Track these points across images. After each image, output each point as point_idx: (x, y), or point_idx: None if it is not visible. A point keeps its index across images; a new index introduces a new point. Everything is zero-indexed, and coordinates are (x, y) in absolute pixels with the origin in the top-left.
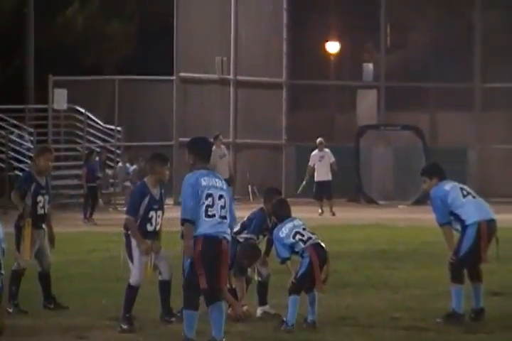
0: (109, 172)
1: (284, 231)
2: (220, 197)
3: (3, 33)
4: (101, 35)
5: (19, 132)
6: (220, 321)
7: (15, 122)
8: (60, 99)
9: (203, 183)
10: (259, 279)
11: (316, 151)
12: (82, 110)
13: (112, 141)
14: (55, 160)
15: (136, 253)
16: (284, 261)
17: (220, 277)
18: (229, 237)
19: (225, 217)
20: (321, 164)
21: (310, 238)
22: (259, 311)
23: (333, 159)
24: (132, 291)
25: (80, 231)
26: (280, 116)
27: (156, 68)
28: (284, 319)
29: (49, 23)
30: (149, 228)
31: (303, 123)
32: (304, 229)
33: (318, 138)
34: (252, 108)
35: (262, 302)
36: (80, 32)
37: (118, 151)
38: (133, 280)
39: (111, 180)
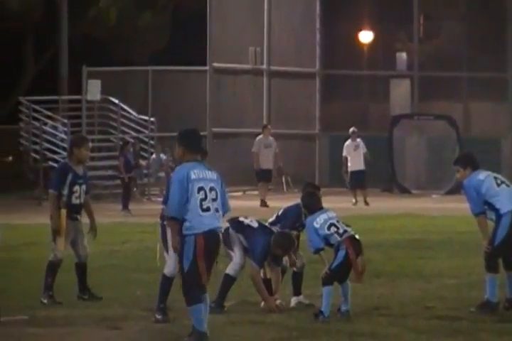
0: (143, 163)
1: (319, 221)
2: (211, 189)
3: (37, 25)
4: (134, 26)
5: (53, 123)
6: (206, 313)
7: (49, 113)
8: (93, 89)
9: (193, 176)
10: (294, 269)
11: (349, 141)
12: (116, 101)
13: (146, 131)
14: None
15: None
16: (317, 251)
17: (211, 271)
18: (222, 230)
19: (217, 210)
20: (355, 154)
21: (346, 231)
22: (293, 301)
23: (365, 149)
24: (167, 282)
25: (114, 222)
26: (313, 106)
27: (189, 59)
28: (320, 310)
29: (82, 15)
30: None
31: (336, 113)
32: (337, 221)
33: (351, 127)
34: (285, 98)
35: (297, 292)
36: (113, 23)
37: (151, 142)
38: (168, 270)
39: (145, 171)
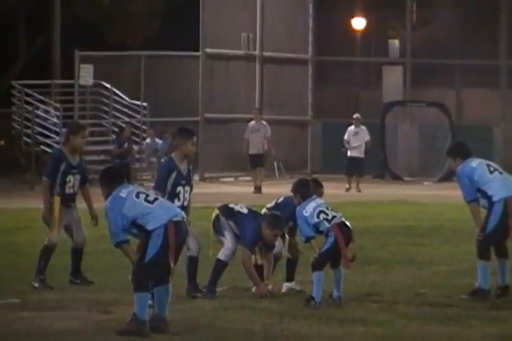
0: (135, 147)
1: (308, 210)
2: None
3: (29, 9)
4: (126, 10)
5: (45, 107)
6: (167, 301)
7: (41, 97)
8: (86, 74)
9: (123, 195)
10: (289, 255)
11: (351, 127)
12: (108, 86)
13: (138, 116)
14: None
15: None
16: (308, 239)
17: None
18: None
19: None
20: (355, 140)
21: (334, 216)
22: (284, 287)
23: (368, 137)
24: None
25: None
26: (306, 93)
27: (181, 44)
28: (311, 295)
29: None
30: (177, 203)
31: (328, 100)
32: (327, 207)
33: (354, 114)
34: (278, 84)
35: (289, 278)
36: (105, 7)
37: (144, 127)
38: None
39: (137, 156)
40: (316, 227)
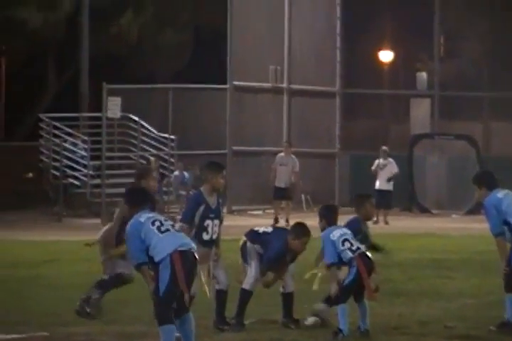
0: (164, 180)
1: (336, 235)
2: (166, 219)
3: (59, 42)
4: (155, 44)
5: (73, 140)
6: (192, 332)
7: (69, 130)
8: (114, 107)
9: (142, 220)
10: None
11: (379, 159)
12: (136, 118)
13: (166, 149)
14: (109, 168)
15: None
16: (331, 265)
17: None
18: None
19: (177, 230)
20: (383, 173)
21: (358, 248)
22: (310, 320)
23: (396, 170)
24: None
25: None
26: (334, 125)
27: (209, 77)
28: (339, 328)
29: (103, 32)
30: (205, 237)
31: (356, 132)
32: (352, 238)
33: (383, 146)
34: (306, 116)
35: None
36: (133, 41)
37: (171, 160)
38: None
39: (165, 189)
40: (338, 255)
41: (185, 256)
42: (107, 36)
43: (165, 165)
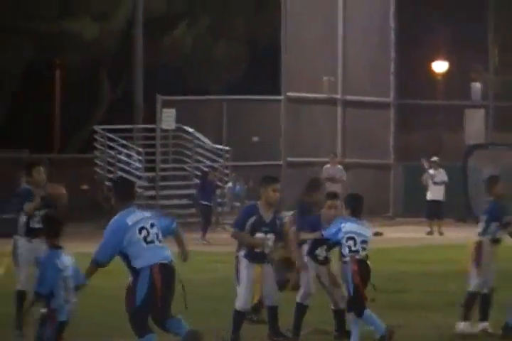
0: (218, 191)
1: (346, 226)
2: (152, 225)
3: (113, 54)
4: (208, 55)
5: (128, 152)
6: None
7: (123, 142)
8: (168, 118)
9: (130, 223)
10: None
11: (431, 170)
12: (190, 130)
13: (220, 160)
14: (163, 179)
15: (244, 277)
16: (326, 239)
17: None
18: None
19: (161, 241)
20: (434, 183)
21: (357, 251)
22: (480, 326)
23: (445, 178)
24: (238, 316)
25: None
26: (388, 136)
27: (264, 88)
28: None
29: (157, 44)
30: (256, 250)
31: (411, 143)
32: (362, 241)
33: (432, 157)
34: (360, 127)
35: (484, 317)
36: (187, 52)
37: (226, 171)
38: (239, 304)
39: (219, 200)
40: (336, 243)
41: (165, 269)
42: (161, 48)
43: (219, 176)
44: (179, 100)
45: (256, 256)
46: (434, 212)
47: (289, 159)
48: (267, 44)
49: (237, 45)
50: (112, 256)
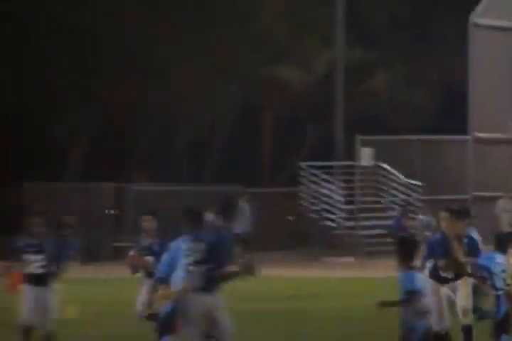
0: (411, 223)
1: (499, 260)
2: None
3: (315, 98)
4: (404, 100)
5: (329, 186)
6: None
7: (325, 177)
8: (366, 156)
9: (183, 246)
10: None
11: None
12: (387, 166)
13: (413, 194)
14: (362, 211)
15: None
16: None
17: None
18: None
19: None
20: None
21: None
22: None
23: None
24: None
25: (388, 277)
26: None
27: (454, 128)
28: None
29: (356, 89)
30: (442, 274)
31: None
32: (503, 271)
33: None
34: None
35: None
36: (384, 97)
37: (418, 204)
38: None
39: (412, 231)
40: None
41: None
42: (360, 93)
43: (412, 209)
44: (376, 140)
45: (441, 279)
46: None
47: (475, 193)
48: (456, 87)
49: (429, 90)
50: (167, 273)
